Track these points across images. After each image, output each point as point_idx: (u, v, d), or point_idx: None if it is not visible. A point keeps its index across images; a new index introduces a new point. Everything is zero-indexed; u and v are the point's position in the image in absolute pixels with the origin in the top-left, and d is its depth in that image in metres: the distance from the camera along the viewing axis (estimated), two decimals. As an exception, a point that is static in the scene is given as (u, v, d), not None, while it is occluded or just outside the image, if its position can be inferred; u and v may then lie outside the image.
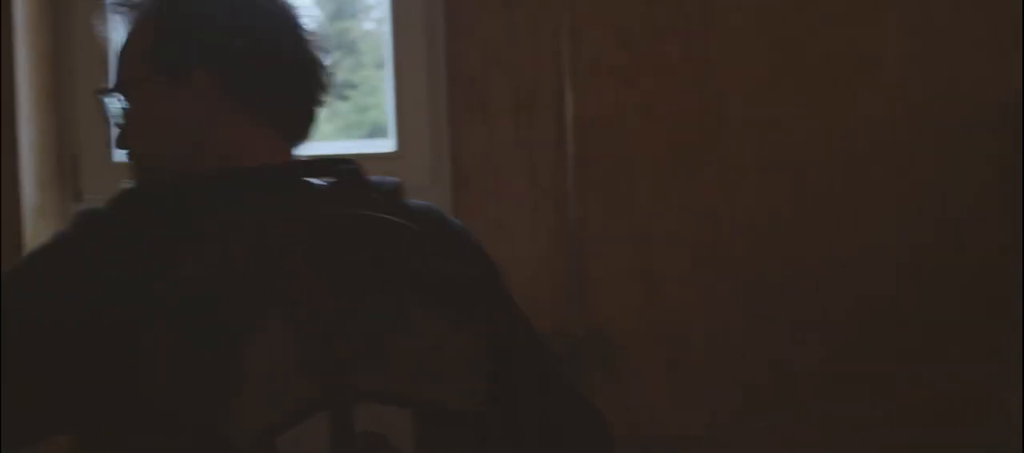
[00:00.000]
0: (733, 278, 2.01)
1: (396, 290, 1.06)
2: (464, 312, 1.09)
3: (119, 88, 1.23)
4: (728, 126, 2.00)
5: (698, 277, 2.02)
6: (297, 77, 1.20)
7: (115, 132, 1.27)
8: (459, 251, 1.22)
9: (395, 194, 1.19)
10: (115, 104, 1.24)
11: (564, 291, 2.04)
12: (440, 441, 1.06)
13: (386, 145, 2.22)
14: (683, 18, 2.00)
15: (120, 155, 2.19)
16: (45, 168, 2.16)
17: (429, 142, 2.15)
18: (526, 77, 2.04)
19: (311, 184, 1.12)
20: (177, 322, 0.98)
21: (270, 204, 1.08)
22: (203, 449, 0.98)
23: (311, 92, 1.22)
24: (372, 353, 1.03)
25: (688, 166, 2.02)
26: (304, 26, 1.22)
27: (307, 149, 1.25)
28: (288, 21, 1.21)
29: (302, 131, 1.23)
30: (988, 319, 1.96)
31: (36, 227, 2.11)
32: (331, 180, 1.14)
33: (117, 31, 1.28)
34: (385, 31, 2.23)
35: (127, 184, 1.19)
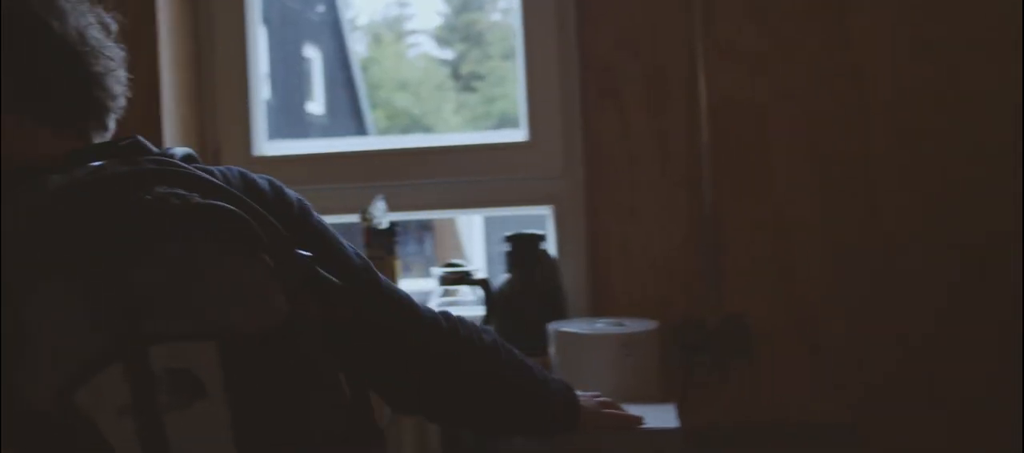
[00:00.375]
0: (873, 263, 1.96)
1: (174, 234, 1.07)
2: (248, 241, 1.11)
3: None
4: (867, 106, 1.95)
5: (837, 262, 1.97)
6: (61, 70, 1.22)
7: None
8: (248, 192, 1.25)
9: (185, 159, 1.21)
10: None
11: (700, 279, 2.02)
12: (247, 362, 1.07)
13: (517, 135, 2.22)
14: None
15: (259, 148, 2.26)
16: (189, 163, 2.22)
17: (561, 130, 2.15)
18: (659, 62, 2.02)
19: (88, 164, 1.14)
20: None
21: (44, 184, 1.10)
22: (4, 410, 1.01)
23: (79, 85, 1.24)
24: (162, 296, 1.05)
25: (825, 148, 1.97)
26: (71, 18, 1.23)
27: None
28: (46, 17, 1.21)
29: (81, 123, 1.25)
30: None
31: (181, 220, 2.17)
32: (107, 160, 1.15)
33: None
34: (512, 22, 2.22)
35: None
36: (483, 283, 2.06)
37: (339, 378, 1.21)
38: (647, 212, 2.03)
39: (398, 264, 2.10)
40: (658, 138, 2.02)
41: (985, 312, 1.92)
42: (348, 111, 9.47)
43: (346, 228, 2.04)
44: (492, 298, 2.06)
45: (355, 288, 1.33)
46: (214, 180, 1.17)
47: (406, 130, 9.99)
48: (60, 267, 1.04)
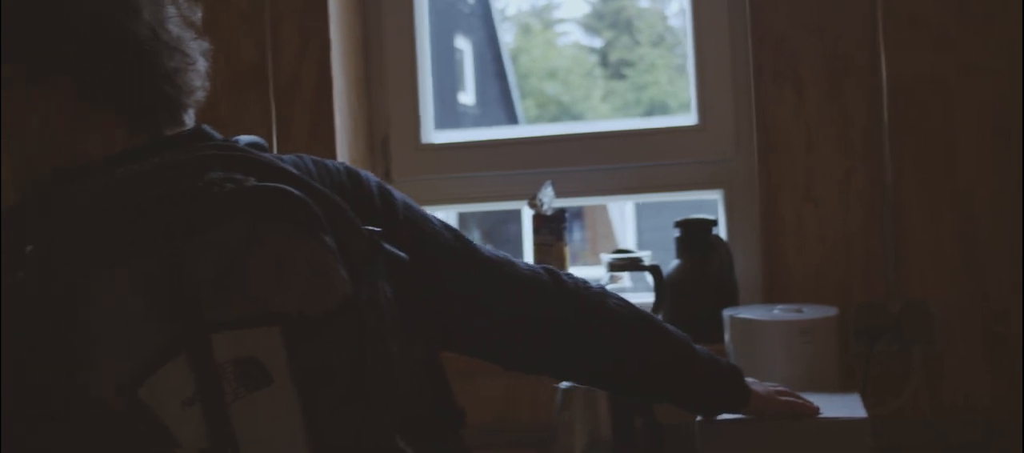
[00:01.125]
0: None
1: (229, 218, 1.05)
2: (305, 221, 1.07)
3: None
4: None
5: (1029, 246, 1.88)
6: (131, 69, 1.21)
7: None
8: (319, 177, 1.24)
9: (251, 146, 1.20)
10: None
11: (880, 263, 1.94)
12: (313, 345, 1.04)
13: (687, 119, 2.18)
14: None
15: (427, 136, 2.28)
16: (357, 150, 2.25)
17: (732, 112, 2.10)
18: (837, 38, 1.95)
19: (148, 156, 1.15)
20: (24, 291, 1.04)
21: (107, 177, 1.11)
22: (69, 406, 1.01)
23: (149, 82, 1.23)
24: (222, 283, 1.02)
25: (1012, 128, 1.87)
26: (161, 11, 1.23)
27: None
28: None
29: (151, 118, 1.24)
30: None
31: (353, 208, 2.20)
32: (167, 151, 1.17)
33: None
34: (661, 8, 2.18)
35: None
36: (654, 270, 2.03)
37: (414, 358, 1.19)
38: (824, 194, 1.96)
39: (566, 250, 2.09)
40: (835, 117, 1.96)
41: None
42: (498, 101, 9.54)
43: (506, 215, 2.02)
44: (663, 285, 2.03)
45: (458, 263, 1.33)
46: (274, 163, 1.16)
47: (555, 118, 10.02)
48: (121, 260, 1.04)
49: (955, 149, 1.91)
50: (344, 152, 2.19)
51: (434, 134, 2.31)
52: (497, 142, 2.29)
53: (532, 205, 2.06)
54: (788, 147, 1.98)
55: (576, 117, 9.34)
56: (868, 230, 1.95)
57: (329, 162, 1.32)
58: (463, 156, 2.27)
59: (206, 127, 1.25)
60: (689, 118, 2.17)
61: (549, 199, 2.07)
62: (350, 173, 1.32)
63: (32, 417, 1.05)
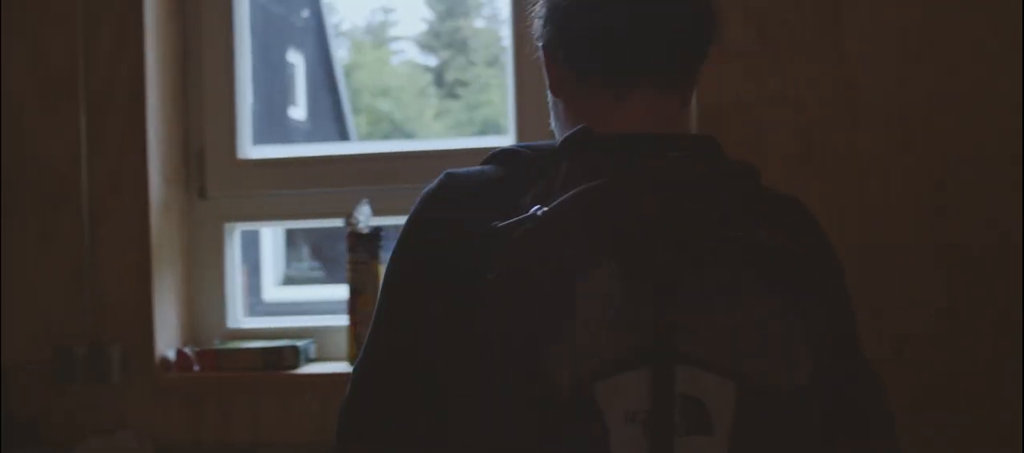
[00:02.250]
0: (859, 271, 1.94)
1: (731, 263, 1.05)
2: (797, 295, 1.07)
3: None
4: (858, 118, 1.93)
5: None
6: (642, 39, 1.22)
7: None
8: (803, 237, 1.20)
9: (752, 176, 1.19)
10: None
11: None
12: (759, 416, 1.04)
13: (505, 140, 2.20)
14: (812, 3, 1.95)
15: (244, 152, 2.23)
16: (171, 164, 2.19)
17: (550, 135, 2.12)
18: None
19: (664, 152, 1.14)
20: (519, 260, 1.04)
21: (619, 167, 1.10)
22: (532, 387, 1.02)
23: (672, 46, 1.23)
24: (699, 320, 1.03)
25: (817, 155, 1.95)
26: None
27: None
28: None
29: (660, 85, 1.24)
30: None
31: (161, 221, 2.15)
32: (686, 153, 1.16)
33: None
34: (497, 29, 2.20)
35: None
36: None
37: None
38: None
39: (381, 269, 2.08)
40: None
41: (988, 322, 1.91)
42: (330, 116, 9.42)
43: (329, 233, 2.01)
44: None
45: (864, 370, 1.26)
46: (787, 229, 1.13)
47: (388, 136, 9.97)
48: (617, 256, 1.03)
49: (762, 173, 1.97)
50: (157, 165, 2.13)
51: (252, 149, 2.27)
52: (316, 158, 2.27)
53: (348, 223, 2.05)
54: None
55: (408, 135, 9.33)
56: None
57: (829, 246, 1.27)
58: (282, 172, 2.24)
59: (716, 140, 1.22)
60: (508, 140, 2.19)
61: (366, 217, 2.06)
62: (821, 239, 1.27)
63: (484, 391, 1.05)
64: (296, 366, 2.12)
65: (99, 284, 2.12)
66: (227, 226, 2.26)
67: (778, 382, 1.04)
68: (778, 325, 1.05)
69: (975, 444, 1.90)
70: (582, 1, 1.23)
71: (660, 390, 1.01)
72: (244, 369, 2.11)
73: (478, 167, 1.24)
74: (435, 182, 1.23)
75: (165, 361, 2.14)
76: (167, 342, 2.16)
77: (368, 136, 9.73)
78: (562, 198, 1.07)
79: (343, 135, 9.23)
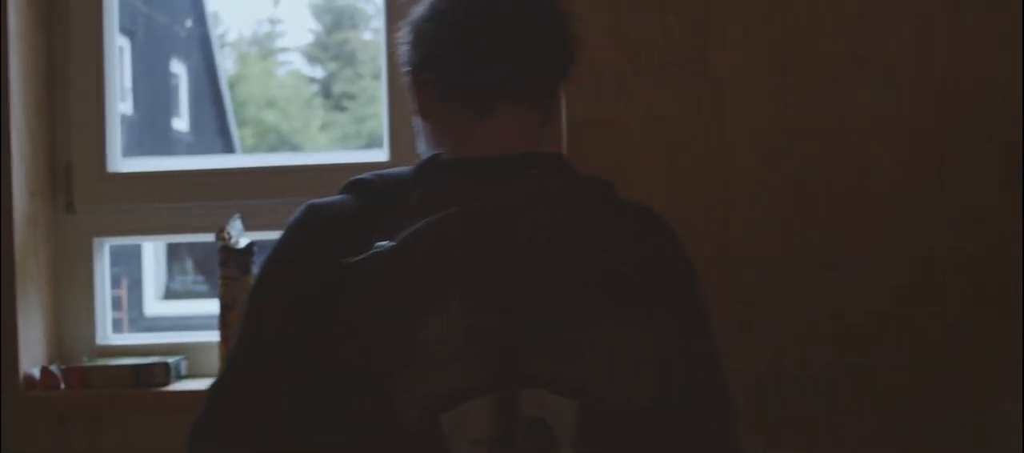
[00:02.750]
0: (727, 285, 1.99)
1: (577, 287, 1.08)
2: (643, 313, 1.11)
3: None
4: (724, 133, 1.99)
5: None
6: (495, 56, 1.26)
7: None
8: (655, 250, 1.24)
9: (604, 190, 1.24)
10: None
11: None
12: (602, 434, 1.07)
13: (380, 155, 2.20)
14: (680, 24, 1.99)
15: (113, 165, 2.20)
16: (36, 178, 2.15)
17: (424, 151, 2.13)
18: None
19: (522, 172, 1.20)
20: (367, 296, 1.08)
21: (466, 193, 1.13)
22: (379, 419, 1.05)
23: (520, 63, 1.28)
24: (545, 343, 1.06)
25: (687, 168, 2.00)
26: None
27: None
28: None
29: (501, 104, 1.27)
30: (992, 321, 1.95)
31: (25, 236, 2.10)
32: (539, 172, 1.22)
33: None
34: (383, 42, 2.21)
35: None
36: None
37: None
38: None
39: (256, 284, 2.06)
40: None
41: (849, 332, 1.97)
42: (215, 128, 9.30)
43: (203, 248, 1.98)
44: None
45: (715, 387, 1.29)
46: (637, 246, 1.16)
47: (273, 148, 9.87)
48: (462, 286, 1.06)
49: (631, 188, 2.01)
50: (21, 179, 2.09)
51: (122, 162, 2.23)
52: (187, 172, 2.24)
53: (220, 238, 2.03)
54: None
55: (295, 147, 9.26)
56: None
57: (666, 234, 1.30)
58: (152, 186, 2.21)
59: (564, 160, 1.28)
60: (383, 155, 2.19)
61: (238, 232, 2.04)
62: (673, 251, 1.30)
63: (335, 424, 1.08)
64: (167, 383, 2.09)
65: (-40, 300, 2.07)
66: (96, 241, 2.22)
67: (621, 399, 1.08)
68: (623, 344, 1.09)
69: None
70: (443, 27, 1.27)
71: (504, 415, 1.05)
72: (113, 387, 2.07)
73: (338, 197, 1.27)
74: (298, 213, 1.27)
75: (29, 379, 2.09)
76: (32, 360, 2.11)
77: (254, 148, 9.63)
78: (408, 232, 1.10)
79: (227, 147, 9.12)
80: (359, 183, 1.26)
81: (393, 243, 1.09)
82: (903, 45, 1.97)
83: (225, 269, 2.03)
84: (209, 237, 2.18)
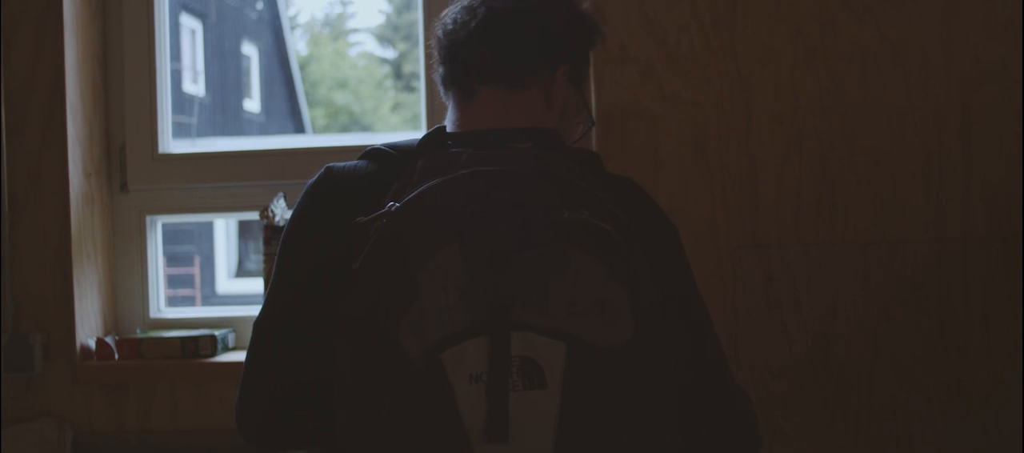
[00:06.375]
0: (753, 268, 2.02)
1: (561, 240, 1.22)
2: (625, 265, 1.23)
3: None
4: (752, 119, 2.01)
5: (722, 268, 2.03)
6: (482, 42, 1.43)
7: None
8: (636, 212, 1.38)
9: (591, 161, 1.40)
10: None
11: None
12: (586, 371, 1.20)
13: (419, 133, 2.25)
14: (708, 7, 2.02)
15: (166, 146, 2.29)
16: (92, 159, 2.25)
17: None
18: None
19: (506, 143, 1.38)
20: (376, 250, 1.22)
21: (463, 162, 1.30)
22: (389, 356, 1.19)
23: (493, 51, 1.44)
24: (532, 291, 1.20)
25: (710, 152, 2.03)
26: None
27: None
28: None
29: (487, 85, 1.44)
30: (1018, 299, 1.96)
31: (82, 215, 2.21)
32: (528, 143, 1.39)
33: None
34: (420, 35, 2.26)
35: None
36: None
37: (674, 415, 1.31)
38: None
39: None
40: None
41: (875, 317, 2.00)
42: (285, 109, 9.43)
43: (247, 226, 2.04)
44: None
45: (698, 332, 1.42)
46: (610, 209, 1.29)
47: (345, 128, 9.99)
48: (458, 240, 1.21)
49: (660, 171, 2.05)
50: (77, 159, 2.19)
51: (173, 144, 2.33)
52: (234, 153, 2.32)
53: (264, 216, 2.11)
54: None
55: (366, 127, 9.35)
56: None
57: (661, 218, 1.45)
58: (201, 166, 2.30)
59: (556, 133, 1.45)
60: (419, 132, 2.25)
61: (281, 211, 2.12)
62: (651, 210, 1.45)
63: (353, 361, 1.23)
64: (214, 354, 2.18)
65: (20, 275, 2.18)
66: (148, 218, 2.32)
67: (601, 341, 1.20)
68: (602, 291, 1.21)
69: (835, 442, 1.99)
70: (449, 30, 1.47)
71: (497, 354, 1.18)
72: (163, 357, 2.17)
73: (355, 162, 1.43)
74: (317, 175, 1.43)
75: (86, 350, 2.20)
76: (88, 332, 2.22)
77: (325, 129, 9.75)
78: (413, 194, 1.25)
79: (298, 127, 9.24)
80: (374, 152, 1.42)
81: (398, 204, 1.24)
82: (929, 26, 1.98)
83: (268, 246, 2.11)
84: (254, 215, 2.26)
